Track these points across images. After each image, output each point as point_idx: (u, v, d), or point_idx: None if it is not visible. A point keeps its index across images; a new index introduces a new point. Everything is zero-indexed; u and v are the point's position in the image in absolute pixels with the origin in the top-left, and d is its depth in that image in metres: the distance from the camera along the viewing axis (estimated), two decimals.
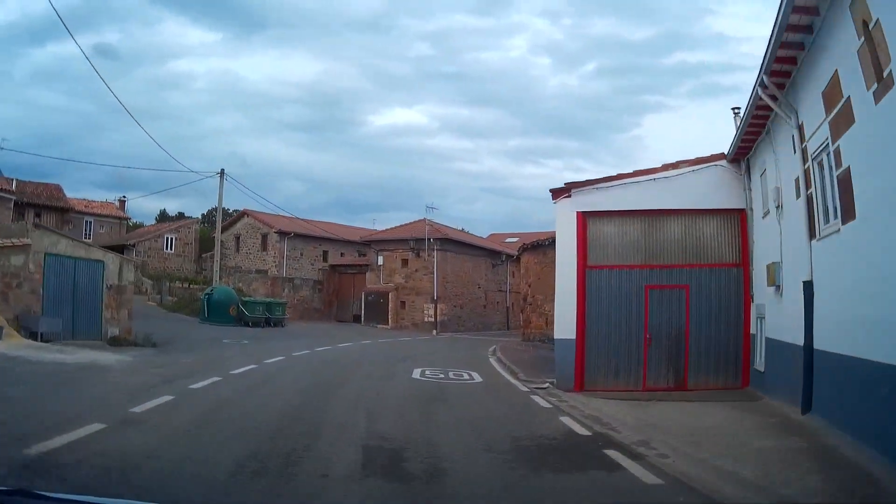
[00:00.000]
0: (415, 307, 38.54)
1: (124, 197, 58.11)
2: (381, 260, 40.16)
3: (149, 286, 40.45)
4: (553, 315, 14.40)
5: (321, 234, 47.69)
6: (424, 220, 38.88)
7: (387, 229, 41.37)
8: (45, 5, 62.92)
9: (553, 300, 14.41)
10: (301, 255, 47.97)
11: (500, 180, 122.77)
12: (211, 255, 53.87)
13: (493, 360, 20.35)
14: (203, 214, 68.12)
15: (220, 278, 44.71)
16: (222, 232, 53.67)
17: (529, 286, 30.44)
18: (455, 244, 39.59)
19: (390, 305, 39.03)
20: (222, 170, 35.88)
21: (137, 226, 61.52)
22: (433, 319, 37.50)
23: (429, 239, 37.62)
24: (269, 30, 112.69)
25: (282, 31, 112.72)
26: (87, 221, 48.53)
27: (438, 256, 37.82)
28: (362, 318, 40.19)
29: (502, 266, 46.13)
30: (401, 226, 41.40)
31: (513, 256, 44.60)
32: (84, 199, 50.25)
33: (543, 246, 28.58)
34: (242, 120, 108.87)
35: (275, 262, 47.51)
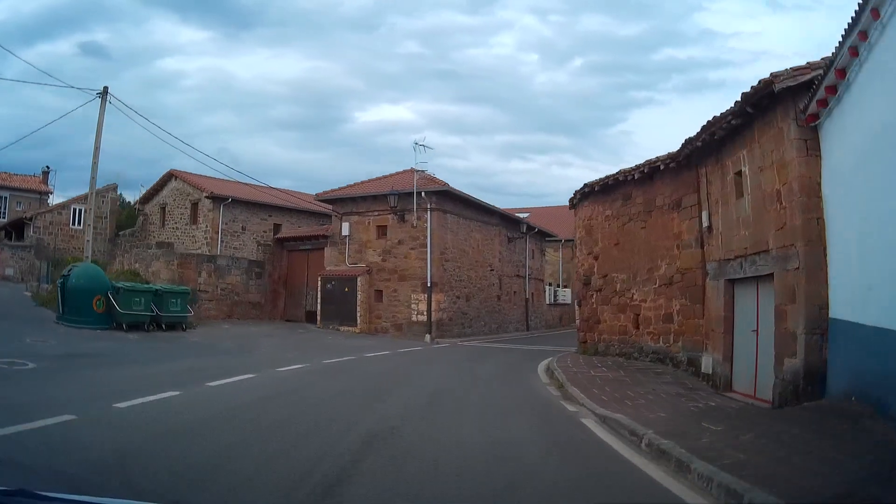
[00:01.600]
0: (397, 299, 26.12)
1: (47, 168, 46.68)
2: (346, 229, 27.59)
3: (44, 272, 32.19)
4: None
5: (272, 202, 35.29)
6: (412, 169, 26.27)
7: (356, 183, 28.70)
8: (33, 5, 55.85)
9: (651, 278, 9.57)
10: (243, 228, 35.87)
11: (488, 176, 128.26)
12: (132, 232, 41.52)
13: (598, 430, 7.85)
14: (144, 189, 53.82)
15: (115, 258, 32.09)
16: (145, 202, 41.35)
17: (597, 259, 18.01)
18: (459, 203, 27.22)
19: (360, 297, 26.59)
20: (105, 88, 22.94)
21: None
22: (426, 318, 25.07)
23: (420, 193, 25.11)
24: (260, 28, 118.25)
25: (272, 30, 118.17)
26: (2, 197, 43.58)
27: (435, 220, 25.42)
28: (318, 317, 27.67)
29: (521, 241, 33.67)
30: (378, 178, 28.74)
31: (534, 229, 32.33)
32: (5, 173, 44.97)
33: (626, 184, 16.30)
34: (234, 118, 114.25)
35: (206, 238, 35.08)
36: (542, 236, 38.71)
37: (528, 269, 34.86)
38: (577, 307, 19.46)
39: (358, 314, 26.72)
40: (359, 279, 26.98)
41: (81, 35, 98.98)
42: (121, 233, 41.57)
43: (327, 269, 28.52)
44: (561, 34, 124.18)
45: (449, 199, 26.47)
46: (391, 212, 26.10)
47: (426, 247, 25.39)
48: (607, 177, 17.52)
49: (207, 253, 32.48)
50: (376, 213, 27.29)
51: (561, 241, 44.73)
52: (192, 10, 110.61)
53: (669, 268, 14.65)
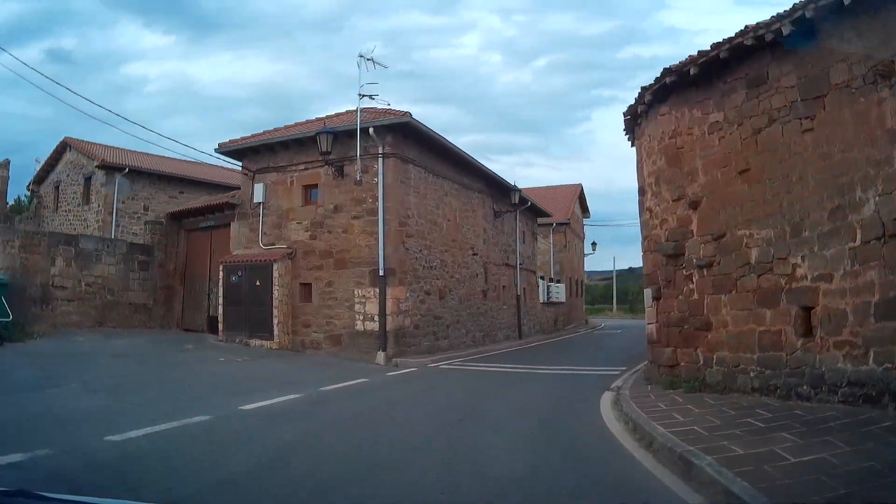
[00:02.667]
0: (334, 297, 17.62)
1: None
2: (260, 192, 18.94)
3: None
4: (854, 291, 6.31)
5: (186, 174, 26.61)
6: (356, 109, 17.49)
7: (276, 129, 19.88)
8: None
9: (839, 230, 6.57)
10: (146, 209, 27.27)
11: None
12: (24, 218, 32.44)
13: None
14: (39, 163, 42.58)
15: None
16: (40, 182, 32.50)
17: (696, 207, 9.68)
18: (427, 149, 18.73)
19: (277, 295, 18.01)
20: None
21: None
22: (377, 326, 16.48)
23: (367, 131, 16.57)
24: (224, 32, 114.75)
25: (236, 33, 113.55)
26: None
27: (391, 172, 17.03)
28: (220, 326, 18.95)
29: (510, 218, 25.32)
30: (306, 122, 19.98)
31: (526, 202, 24.12)
32: None
33: (749, 60, 8.05)
34: (197, 122, 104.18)
35: (98, 221, 26.46)
36: (534, 215, 30.37)
37: (519, 255, 26.42)
38: (649, 300, 10.96)
39: (274, 321, 17.93)
40: (275, 267, 18.20)
41: (50, 41, 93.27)
42: (10, 215, 32.35)
43: (234, 253, 19.75)
44: (525, 34, 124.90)
45: (413, 141, 17.86)
46: (323, 162, 17.39)
47: (377, 214, 16.76)
48: (709, 51, 9.17)
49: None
50: (302, 168, 18.59)
51: (552, 224, 36.56)
52: (157, 14, 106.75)
53: (887, 202, 6.48)
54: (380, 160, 16.94)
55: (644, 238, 10.95)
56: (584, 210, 46.76)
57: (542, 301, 31.14)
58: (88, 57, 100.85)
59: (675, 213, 10.18)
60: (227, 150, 19.77)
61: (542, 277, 32.49)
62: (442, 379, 13.21)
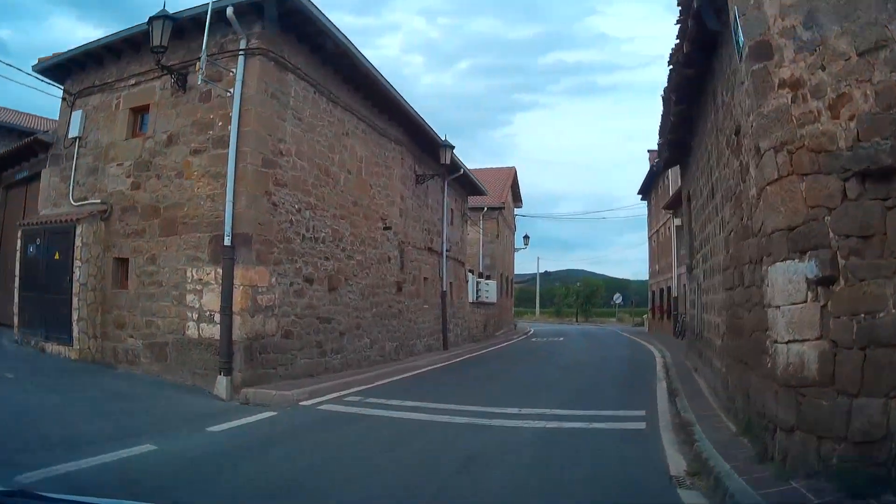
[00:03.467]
0: (157, 282, 11.28)
1: None
2: (77, 123, 12.38)
3: None
4: None
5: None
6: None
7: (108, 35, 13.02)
8: None
9: None
10: None
11: None
12: None
13: None
14: None
15: None
16: None
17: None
18: (322, 57, 12.13)
19: (78, 275, 11.49)
20: None
21: None
22: (217, 331, 9.75)
23: (226, 13, 9.94)
24: None
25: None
26: None
27: (255, 79, 10.51)
28: (16, 321, 12.13)
29: (436, 188, 19.39)
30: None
31: (459, 170, 18.45)
32: None
33: None
34: None
35: None
36: (465, 193, 24.44)
37: (446, 240, 20.38)
38: (794, 285, 4.93)
39: (74, 316, 11.38)
40: (78, 233, 11.59)
41: None
42: None
43: (41, 213, 13.10)
44: (449, 36, 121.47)
45: (298, 38, 11.60)
46: (160, 69, 10.86)
47: (229, 145, 10.31)
48: None
49: None
50: (133, 83, 12.00)
51: (483, 209, 30.89)
52: (91, 8, 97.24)
53: None
54: (240, 60, 10.53)
55: (770, 148, 4.93)
56: (517, 199, 41.32)
57: (470, 300, 25.28)
58: (24, 47, 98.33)
59: (875, 79, 4.31)
60: (46, 66, 13.00)
61: (471, 272, 26.67)
62: (319, 445, 7.01)
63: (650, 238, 36.91)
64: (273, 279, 10.80)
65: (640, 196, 38.99)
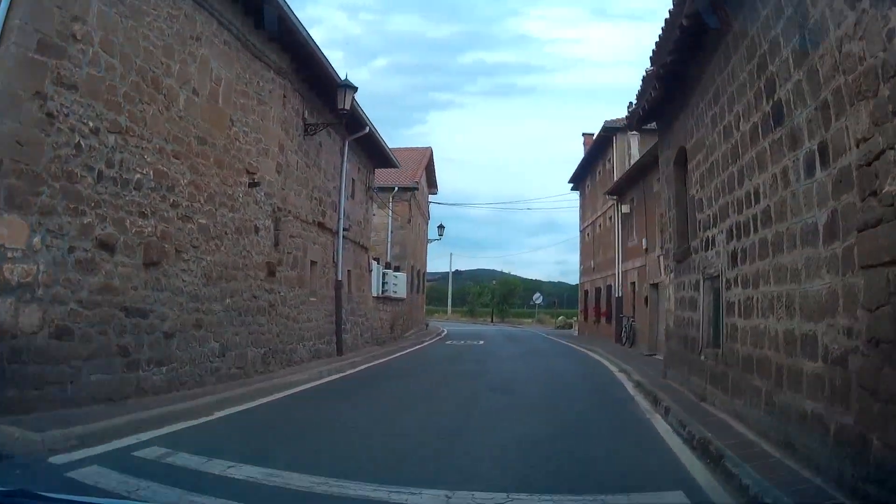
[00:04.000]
0: None
1: None
2: None
3: None
4: None
5: None
6: None
7: None
8: None
9: None
10: None
11: None
12: None
13: None
14: None
15: None
16: None
17: None
18: None
19: None
20: None
21: None
22: None
23: None
24: None
25: None
26: None
27: None
28: None
29: (334, 147, 15.26)
30: None
31: (364, 128, 14.56)
32: None
33: None
34: None
35: None
36: (372, 163, 20.32)
37: (343, 215, 16.22)
38: None
39: None
40: None
41: None
42: None
43: None
44: (369, 33, 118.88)
45: None
46: None
47: None
48: None
49: None
50: None
51: (394, 189, 27.03)
52: None
53: None
54: None
55: None
56: (432, 184, 37.48)
57: (375, 295, 21.20)
58: None
59: None
60: None
61: (377, 261, 22.60)
62: None
63: (582, 232, 33.77)
64: (36, 238, 6.41)
65: (571, 185, 35.91)
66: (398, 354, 18.33)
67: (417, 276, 32.97)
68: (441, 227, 36.93)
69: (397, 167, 22.17)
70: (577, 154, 34.84)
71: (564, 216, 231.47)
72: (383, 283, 23.39)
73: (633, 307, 22.05)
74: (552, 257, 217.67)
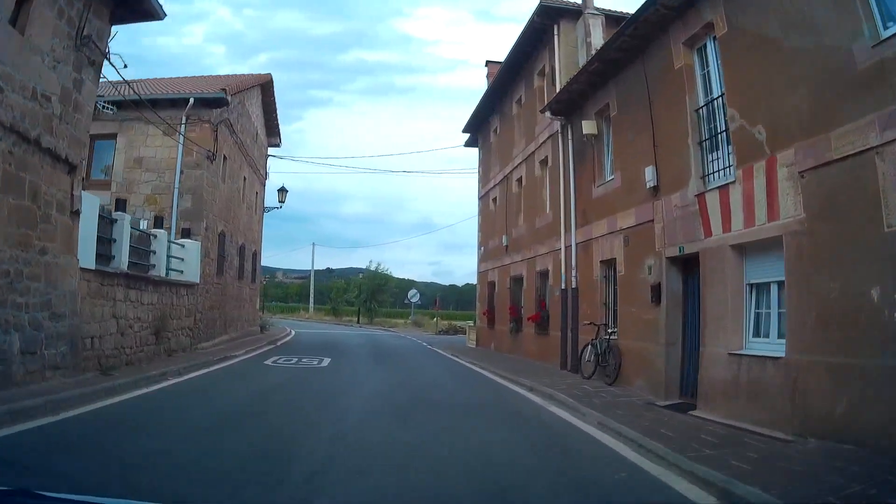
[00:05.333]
0: None
1: None
2: None
3: None
4: None
5: None
6: None
7: None
8: None
9: None
10: None
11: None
12: None
13: None
14: None
15: None
16: None
17: None
18: None
19: None
20: None
21: None
22: None
23: None
24: None
25: None
26: None
27: None
28: None
29: None
30: None
31: None
32: None
33: None
34: None
35: None
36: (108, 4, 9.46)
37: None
38: None
39: None
40: None
41: None
42: None
43: None
44: (252, 28, 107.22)
45: None
46: None
47: None
48: None
49: None
50: None
51: (187, 101, 16.19)
52: None
53: None
54: None
55: None
56: (272, 132, 26.68)
57: (115, 267, 10.44)
58: None
59: None
60: None
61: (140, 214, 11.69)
62: None
63: (484, 199, 23.80)
64: None
65: (468, 138, 26.09)
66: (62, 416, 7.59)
67: (242, 255, 22.08)
68: (283, 190, 26.14)
69: (161, 18, 11.32)
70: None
71: (440, 212, 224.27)
72: (146, 250, 12.60)
73: (610, 307, 12.48)
74: (425, 257, 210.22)
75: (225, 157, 18.58)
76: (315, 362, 14.86)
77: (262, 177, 25.80)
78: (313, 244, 76.97)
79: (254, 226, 24.47)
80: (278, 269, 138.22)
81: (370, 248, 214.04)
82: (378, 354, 18.98)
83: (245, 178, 22.25)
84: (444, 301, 70.42)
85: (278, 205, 26.19)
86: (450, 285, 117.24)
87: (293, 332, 31.34)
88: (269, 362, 14.56)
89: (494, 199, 21.97)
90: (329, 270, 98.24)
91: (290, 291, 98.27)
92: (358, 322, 52.32)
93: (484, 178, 24.01)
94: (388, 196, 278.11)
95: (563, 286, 14.56)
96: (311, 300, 73.68)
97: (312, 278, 76.78)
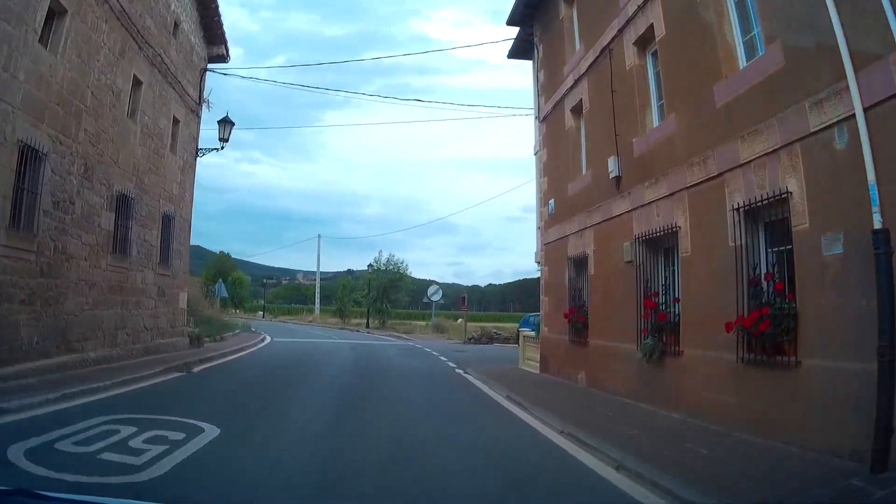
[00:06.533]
0: None
1: None
2: None
3: None
4: None
5: None
6: None
7: None
8: None
9: None
10: None
11: None
12: None
13: None
14: None
15: None
16: None
17: None
18: None
19: None
20: None
21: None
22: None
23: None
24: None
25: None
26: None
27: None
28: None
29: None
30: None
31: None
32: None
33: None
34: None
35: None
36: None
37: None
38: None
39: None
40: None
41: None
42: None
43: None
44: (267, 30, 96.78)
45: None
46: None
47: None
48: None
49: None
50: None
51: None
52: None
53: None
54: None
55: None
56: (213, 39, 17.27)
57: None
58: None
59: None
60: None
61: None
62: None
63: (554, 115, 13.56)
64: None
65: (511, 46, 16.51)
66: None
67: (121, 211, 12.46)
68: (226, 122, 16.66)
69: None
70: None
71: (459, 216, 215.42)
72: None
73: None
74: (445, 258, 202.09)
75: (67, 12, 9.29)
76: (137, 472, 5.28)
77: (192, 100, 16.30)
78: (318, 236, 66.83)
79: (165, 172, 14.82)
80: (298, 271, 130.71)
81: (391, 244, 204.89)
82: (351, 403, 9.40)
83: (141, 83, 12.84)
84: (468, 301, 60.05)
85: (220, 144, 16.71)
86: (472, 285, 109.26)
87: (265, 342, 22.02)
88: None
89: (578, 108, 12.25)
90: (349, 272, 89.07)
91: (308, 293, 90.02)
92: (367, 326, 42.64)
93: (549, 84, 14.16)
94: (405, 198, 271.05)
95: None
96: (317, 301, 64.27)
97: (318, 275, 67.36)
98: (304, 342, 24.84)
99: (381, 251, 49.57)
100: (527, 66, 17.07)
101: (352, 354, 19.04)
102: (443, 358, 18.50)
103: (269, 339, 24.27)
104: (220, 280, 40.09)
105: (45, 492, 2.12)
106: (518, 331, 20.45)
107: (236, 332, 24.59)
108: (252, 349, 18.83)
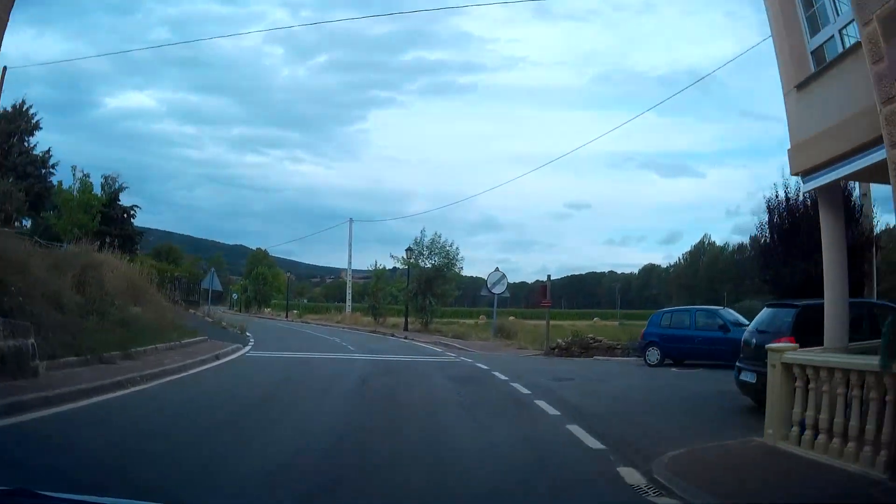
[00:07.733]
0: None
1: None
2: None
3: None
4: None
5: None
6: None
7: None
8: None
9: None
10: None
11: (220, 167, 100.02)
12: None
13: None
14: None
15: None
16: None
17: None
18: None
19: None
20: None
21: None
22: None
23: None
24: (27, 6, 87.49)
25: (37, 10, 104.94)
26: None
27: None
28: None
29: None
30: None
31: None
32: None
33: None
34: None
35: None
36: None
37: None
38: None
39: None
40: None
41: None
42: None
43: None
44: (309, 29, 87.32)
45: None
46: None
47: None
48: None
49: None
50: None
51: None
52: None
53: None
54: None
55: None
56: None
57: None
58: None
59: None
60: None
61: None
62: None
63: None
64: None
65: None
66: None
67: None
68: None
69: None
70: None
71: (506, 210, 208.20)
72: None
73: None
74: (493, 256, 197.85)
75: None
76: None
77: None
78: (350, 219, 56.51)
79: None
80: (342, 269, 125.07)
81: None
82: None
83: None
84: (515, 299, 48.44)
85: None
86: (520, 282, 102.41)
87: (216, 362, 12.31)
88: None
89: None
90: (395, 270, 79.97)
91: (353, 290, 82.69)
92: (406, 328, 32.50)
93: None
94: (450, 195, 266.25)
95: None
96: (349, 298, 54.47)
97: (350, 274, 57.00)
98: (290, 358, 14.99)
99: (423, 229, 36.92)
100: None
101: (347, 403, 8.98)
102: (550, 409, 8.32)
103: (239, 353, 14.71)
104: (213, 269, 30.97)
105: (45, 492, 2.09)
106: (740, 342, 9.01)
107: (196, 339, 15.01)
108: (154, 382, 9.00)
